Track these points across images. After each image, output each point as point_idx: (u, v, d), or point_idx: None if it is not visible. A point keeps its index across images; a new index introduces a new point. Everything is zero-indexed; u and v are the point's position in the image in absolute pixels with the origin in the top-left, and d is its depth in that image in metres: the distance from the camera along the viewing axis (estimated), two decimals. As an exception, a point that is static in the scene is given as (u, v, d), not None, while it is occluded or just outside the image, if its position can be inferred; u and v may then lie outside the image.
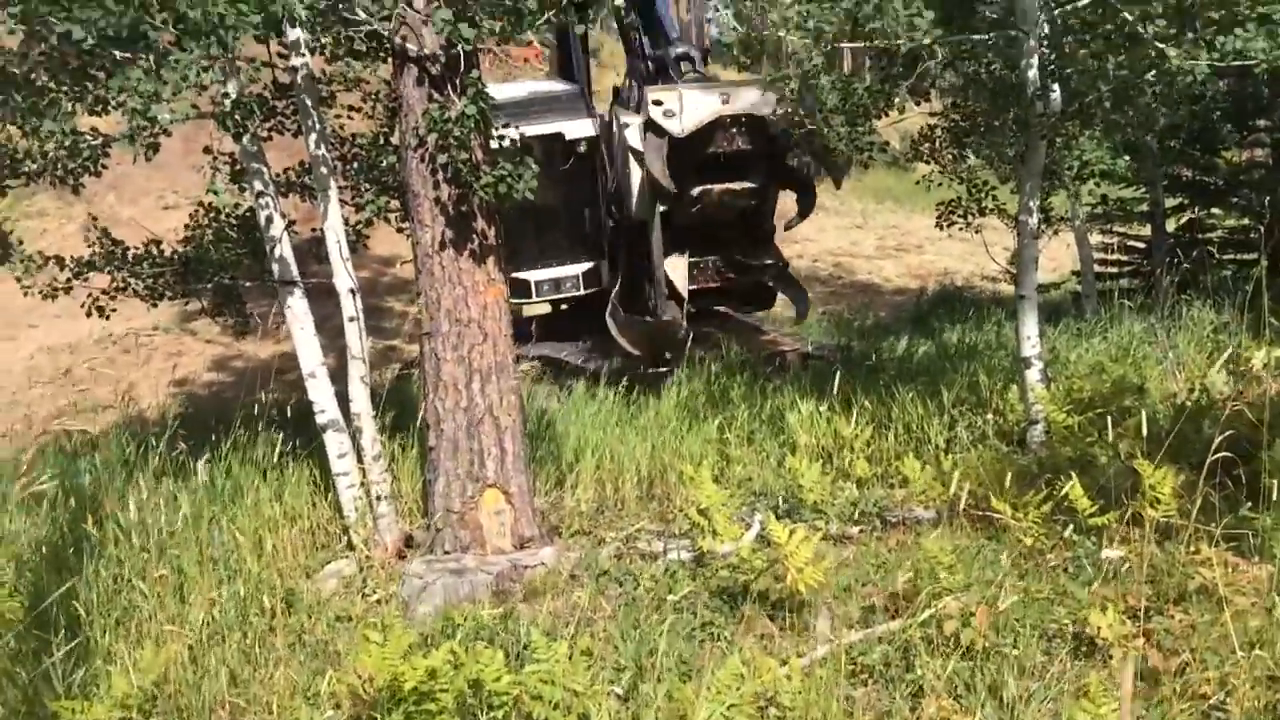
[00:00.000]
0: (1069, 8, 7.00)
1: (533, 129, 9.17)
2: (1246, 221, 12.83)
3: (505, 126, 5.69)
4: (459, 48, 5.37)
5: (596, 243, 11.12)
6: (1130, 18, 6.63)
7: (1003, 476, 5.66)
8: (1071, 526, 5.18)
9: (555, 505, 6.80)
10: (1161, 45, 6.58)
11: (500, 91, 9.94)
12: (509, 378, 6.03)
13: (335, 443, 6.06)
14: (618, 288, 10.42)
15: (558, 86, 11.64)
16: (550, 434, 7.41)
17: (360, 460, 6.12)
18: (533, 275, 10.81)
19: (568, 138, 10.40)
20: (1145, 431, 5.06)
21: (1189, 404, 7.20)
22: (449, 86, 5.64)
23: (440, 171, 5.70)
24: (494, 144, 5.72)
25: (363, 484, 6.12)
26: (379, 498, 6.11)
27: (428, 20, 5.39)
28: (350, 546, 6.07)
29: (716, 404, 8.24)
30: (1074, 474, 5.52)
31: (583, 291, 11.08)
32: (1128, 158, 11.84)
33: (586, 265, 11.03)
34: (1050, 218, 11.94)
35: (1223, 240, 13.27)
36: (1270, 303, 8.69)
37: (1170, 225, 13.18)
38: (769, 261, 10.99)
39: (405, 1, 5.52)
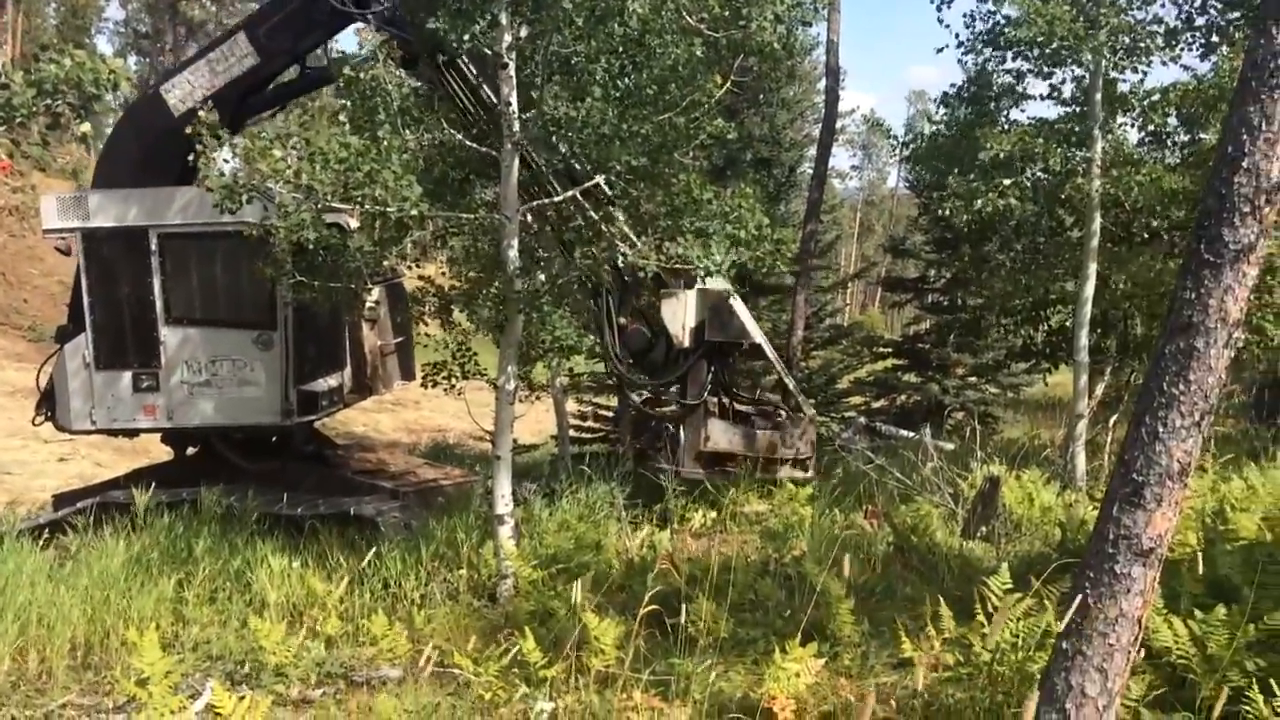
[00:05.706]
0: (546, 200, 7.84)
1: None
2: (692, 398, 14.83)
3: None
4: None
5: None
6: (597, 217, 7.60)
7: (470, 631, 5.83)
8: (524, 679, 5.42)
9: (-45, 683, 5.74)
10: (621, 244, 7.63)
11: None
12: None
13: None
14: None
15: None
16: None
17: None
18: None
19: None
20: (598, 585, 5.55)
21: (637, 560, 8.01)
22: None
23: None
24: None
25: None
26: None
27: None
28: None
29: (177, 559, 7.58)
30: (530, 628, 5.83)
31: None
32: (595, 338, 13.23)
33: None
34: (532, 385, 12.86)
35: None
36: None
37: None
38: None
39: None
